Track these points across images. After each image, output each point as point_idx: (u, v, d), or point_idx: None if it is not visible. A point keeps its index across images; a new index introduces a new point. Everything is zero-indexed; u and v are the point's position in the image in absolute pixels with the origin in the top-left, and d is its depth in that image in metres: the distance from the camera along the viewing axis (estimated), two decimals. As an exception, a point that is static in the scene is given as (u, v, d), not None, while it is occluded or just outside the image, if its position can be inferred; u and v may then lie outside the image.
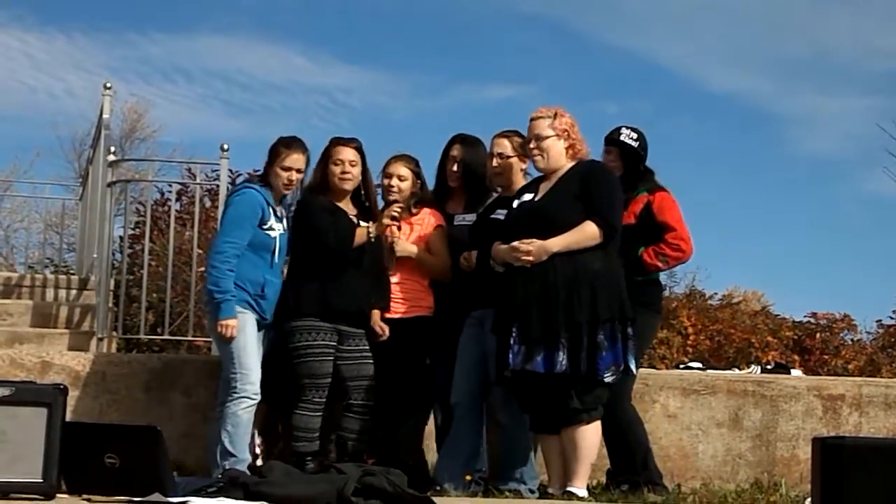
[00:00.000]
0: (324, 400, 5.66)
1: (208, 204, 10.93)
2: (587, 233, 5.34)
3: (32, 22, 38.40)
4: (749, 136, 33.42)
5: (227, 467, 5.32)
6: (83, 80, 32.11)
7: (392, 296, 5.86)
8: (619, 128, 5.89)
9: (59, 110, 32.52)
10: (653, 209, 5.79)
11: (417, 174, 6.03)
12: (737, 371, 8.17)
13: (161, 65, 39.10)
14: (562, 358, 5.20)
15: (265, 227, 5.61)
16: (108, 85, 9.04)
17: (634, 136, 5.87)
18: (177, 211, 9.29)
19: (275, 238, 5.63)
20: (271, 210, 5.64)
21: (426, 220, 5.98)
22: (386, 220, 5.88)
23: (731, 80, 36.02)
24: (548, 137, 5.49)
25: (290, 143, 5.71)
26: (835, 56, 33.97)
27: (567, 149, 5.50)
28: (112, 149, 8.24)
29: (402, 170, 5.99)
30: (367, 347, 5.76)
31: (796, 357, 14.38)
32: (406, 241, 5.90)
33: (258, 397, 5.50)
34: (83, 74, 32.51)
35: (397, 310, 5.86)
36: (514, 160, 5.82)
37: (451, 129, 6.04)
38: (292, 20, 34.62)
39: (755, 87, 34.92)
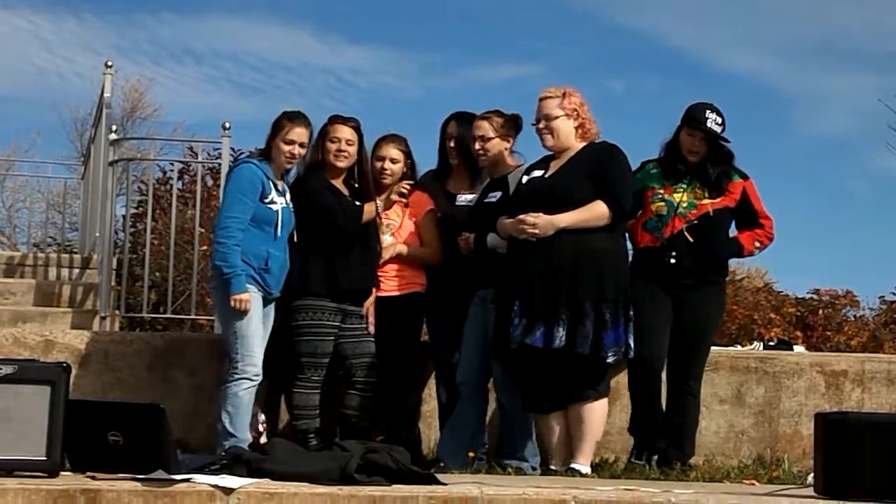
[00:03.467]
0: (322, 378, 5.66)
1: (210, 182, 10.93)
2: (596, 212, 5.33)
3: (42, 3, 38.22)
4: (755, 115, 33.32)
5: (228, 447, 5.32)
6: (92, 61, 31.95)
7: (385, 274, 5.86)
8: (704, 110, 5.62)
9: (69, 91, 32.38)
10: (749, 196, 5.74)
11: (408, 154, 6.02)
12: (739, 348, 8.18)
13: (171, 46, 38.97)
14: (560, 334, 5.21)
15: (266, 200, 5.56)
16: (109, 63, 9.01)
17: (719, 119, 5.63)
18: (179, 190, 9.31)
19: (277, 211, 5.58)
20: (272, 184, 5.60)
21: (418, 203, 5.98)
22: (394, 197, 5.88)
23: (739, 59, 35.95)
24: (557, 117, 5.48)
25: (293, 117, 5.68)
26: (844, 36, 33.86)
27: (577, 128, 5.50)
28: (114, 128, 8.22)
29: (394, 151, 5.97)
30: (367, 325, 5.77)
31: (799, 333, 14.40)
32: (396, 235, 5.91)
33: (259, 378, 5.47)
34: (92, 56, 32.37)
35: (391, 288, 5.86)
36: (497, 140, 5.79)
37: (459, 108, 6.02)
38: (301, 1, 34.53)
39: (763, 66, 34.87)
